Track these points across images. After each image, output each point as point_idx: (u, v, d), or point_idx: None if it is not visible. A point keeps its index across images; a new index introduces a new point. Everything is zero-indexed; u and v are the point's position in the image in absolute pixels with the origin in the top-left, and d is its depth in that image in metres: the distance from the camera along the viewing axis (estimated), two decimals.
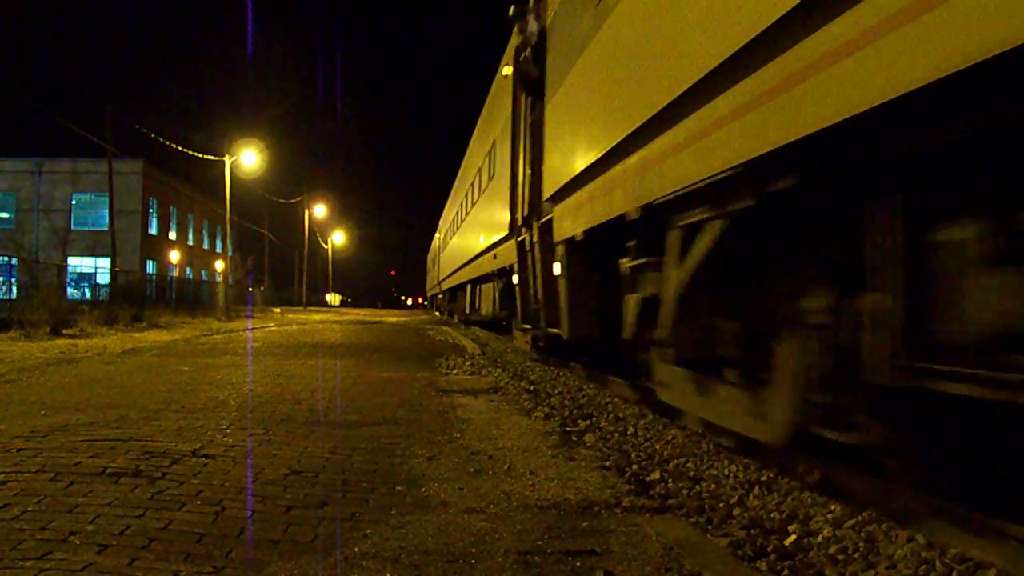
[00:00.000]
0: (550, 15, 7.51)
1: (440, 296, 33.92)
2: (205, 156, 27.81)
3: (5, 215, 42.00)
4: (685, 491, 3.50)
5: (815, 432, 3.21)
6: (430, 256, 34.47)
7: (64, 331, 14.54)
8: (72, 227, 41.51)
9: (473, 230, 17.26)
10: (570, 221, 6.71)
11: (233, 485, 3.23)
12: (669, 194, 4.04)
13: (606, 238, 5.83)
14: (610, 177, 5.36)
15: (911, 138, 2.53)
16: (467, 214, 19.23)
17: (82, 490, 3.08)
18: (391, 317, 36.95)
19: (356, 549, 2.49)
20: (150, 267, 42.61)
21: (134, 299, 23.46)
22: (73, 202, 42.31)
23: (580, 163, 6.01)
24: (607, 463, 3.86)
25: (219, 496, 3.05)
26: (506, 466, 3.70)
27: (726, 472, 3.84)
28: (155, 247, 44.63)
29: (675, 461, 4.13)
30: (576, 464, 3.81)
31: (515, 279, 10.44)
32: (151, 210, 44.33)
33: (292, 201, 50.23)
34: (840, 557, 2.61)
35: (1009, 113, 2.15)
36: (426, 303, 63.98)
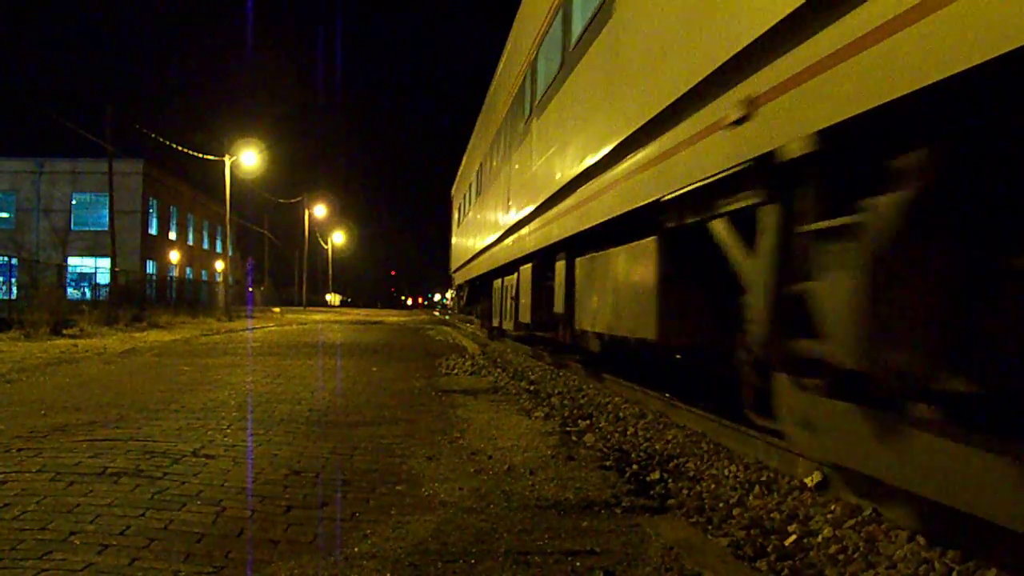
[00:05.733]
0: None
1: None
2: (205, 156, 27.79)
3: (5, 215, 41.97)
4: (685, 491, 3.50)
5: None
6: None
7: (64, 331, 14.54)
8: (72, 227, 41.47)
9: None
10: (462, 276, 20.64)
11: (233, 485, 3.23)
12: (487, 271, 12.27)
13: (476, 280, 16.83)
14: (474, 263, 16.27)
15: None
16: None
17: (82, 490, 3.08)
18: (391, 317, 36.96)
19: (356, 549, 2.49)
20: (150, 267, 42.58)
21: (134, 299, 23.50)
22: (73, 202, 42.27)
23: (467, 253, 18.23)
24: (607, 463, 3.86)
25: (219, 496, 3.05)
26: (506, 466, 3.70)
27: (726, 472, 3.84)
28: (155, 247, 44.60)
29: (675, 461, 4.13)
30: (576, 464, 3.80)
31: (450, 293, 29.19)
32: (151, 210, 44.29)
33: (292, 201, 50.14)
34: (840, 557, 2.61)
35: None
36: (425, 303, 63.29)
